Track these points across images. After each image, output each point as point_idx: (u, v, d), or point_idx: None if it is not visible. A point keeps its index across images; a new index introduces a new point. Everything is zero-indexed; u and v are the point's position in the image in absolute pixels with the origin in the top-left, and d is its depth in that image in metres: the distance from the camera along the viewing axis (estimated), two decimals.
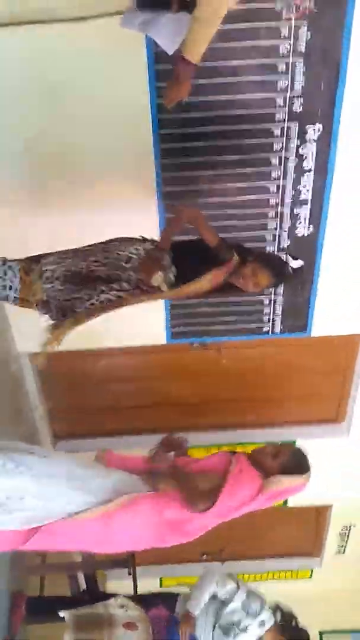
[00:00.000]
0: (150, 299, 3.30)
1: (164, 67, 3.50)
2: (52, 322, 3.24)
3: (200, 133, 3.76)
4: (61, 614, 4.22)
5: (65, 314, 3.19)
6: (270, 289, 4.37)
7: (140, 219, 3.84)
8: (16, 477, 2.80)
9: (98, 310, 3.19)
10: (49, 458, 3.02)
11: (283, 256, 3.48)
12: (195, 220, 3.23)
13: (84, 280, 3.18)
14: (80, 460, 3.14)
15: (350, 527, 6.50)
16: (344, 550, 6.74)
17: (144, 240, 3.31)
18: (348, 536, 6.62)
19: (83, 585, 5.53)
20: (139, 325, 4.62)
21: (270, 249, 4.24)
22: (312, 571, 7.01)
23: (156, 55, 3.45)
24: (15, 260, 3.25)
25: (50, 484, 2.85)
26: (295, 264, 3.35)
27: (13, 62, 3.47)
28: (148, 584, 5.83)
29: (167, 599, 4.23)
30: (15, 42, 3.39)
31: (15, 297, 3.24)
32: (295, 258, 3.47)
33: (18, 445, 3.09)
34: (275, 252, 4.25)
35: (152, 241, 3.32)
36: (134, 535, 2.97)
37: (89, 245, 3.29)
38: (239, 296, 4.08)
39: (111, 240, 3.29)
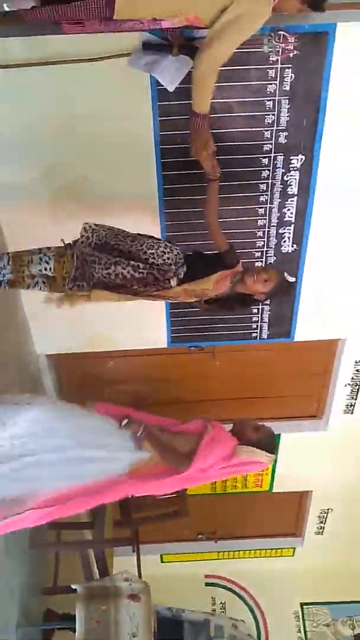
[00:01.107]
0: (159, 295, 3.25)
1: (166, 103, 3.51)
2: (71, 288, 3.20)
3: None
4: (74, 586, 4.19)
5: (84, 279, 3.16)
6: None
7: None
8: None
9: (109, 289, 3.17)
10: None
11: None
12: (210, 226, 3.30)
13: (109, 250, 3.21)
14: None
15: (327, 510, 6.47)
16: (322, 531, 6.70)
17: (167, 242, 3.34)
18: (326, 519, 6.59)
19: (94, 562, 5.51)
20: (143, 330, 4.63)
21: (258, 263, 4.23)
22: (294, 549, 6.99)
23: (159, 92, 3.45)
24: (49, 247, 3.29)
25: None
26: (291, 279, 3.40)
27: (35, 98, 3.47)
28: (150, 560, 5.81)
29: None
30: (37, 81, 3.39)
31: (44, 282, 3.24)
32: (290, 276, 3.50)
33: None
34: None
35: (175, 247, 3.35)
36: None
37: (120, 230, 3.32)
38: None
39: (140, 234, 3.32)
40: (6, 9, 3.46)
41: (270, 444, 3.14)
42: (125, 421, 3.09)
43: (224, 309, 3.43)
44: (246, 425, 3.20)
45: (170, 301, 3.52)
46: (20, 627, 4.05)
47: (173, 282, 3.21)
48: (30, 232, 3.72)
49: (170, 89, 3.29)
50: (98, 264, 3.14)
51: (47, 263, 3.23)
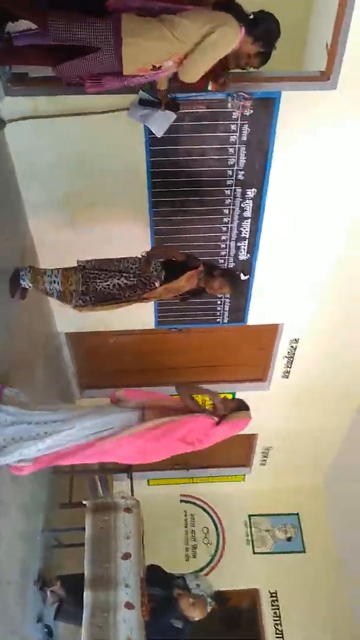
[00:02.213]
0: (147, 295, 3.27)
1: (156, 146, 3.47)
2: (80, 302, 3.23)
3: (179, 191, 3.72)
4: (84, 502, 4.16)
5: (89, 292, 3.19)
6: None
7: (138, 242, 3.81)
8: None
9: (109, 301, 3.16)
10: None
11: (236, 271, 3.55)
12: (164, 253, 3.35)
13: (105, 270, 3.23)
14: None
15: (269, 448, 6.51)
16: (265, 463, 6.74)
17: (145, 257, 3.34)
18: (267, 455, 6.62)
19: (99, 485, 5.48)
20: (137, 316, 4.59)
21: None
22: (244, 476, 7.02)
23: (150, 137, 3.41)
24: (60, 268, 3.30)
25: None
26: (244, 277, 3.43)
27: (56, 140, 3.42)
28: (140, 484, 5.81)
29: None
30: (57, 128, 3.33)
31: (57, 291, 3.23)
32: (245, 274, 3.52)
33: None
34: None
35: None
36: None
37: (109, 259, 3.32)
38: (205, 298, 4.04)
39: (125, 257, 3.33)
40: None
41: (245, 404, 3.13)
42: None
43: (195, 297, 3.47)
44: (224, 401, 3.19)
45: (157, 300, 3.51)
46: (44, 531, 4.03)
47: (157, 284, 3.23)
48: (56, 244, 3.68)
49: (158, 135, 3.25)
50: (99, 278, 3.16)
51: (56, 277, 3.25)
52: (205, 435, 2.96)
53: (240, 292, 4.38)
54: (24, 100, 3.21)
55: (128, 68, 2.59)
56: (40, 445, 2.78)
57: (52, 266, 3.37)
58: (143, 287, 3.22)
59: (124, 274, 3.17)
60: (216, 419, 2.98)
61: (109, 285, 3.16)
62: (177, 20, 2.53)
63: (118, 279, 3.16)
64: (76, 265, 3.28)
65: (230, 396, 5.64)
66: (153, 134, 3.28)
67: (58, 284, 3.24)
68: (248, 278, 4.07)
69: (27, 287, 3.36)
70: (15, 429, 2.80)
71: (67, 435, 2.82)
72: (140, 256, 3.32)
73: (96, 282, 3.16)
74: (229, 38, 2.62)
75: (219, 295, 4.39)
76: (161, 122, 3.17)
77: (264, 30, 2.73)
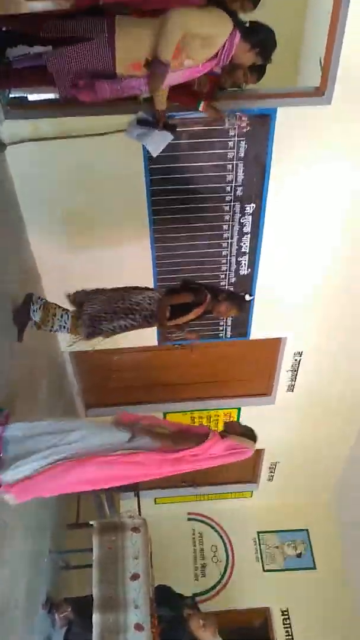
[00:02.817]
0: (153, 325, 3.33)
1: (155, 165, 3.50)
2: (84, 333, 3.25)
3: (179, 208, 3.75)
4: (91, 522, 4.13)
5: (96, 333, 3.22)
6: None
7: (139, 260, 3.93)
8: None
9: (115, 333, 3.21)
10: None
11: (241, 293, 3.57)
12: (169, 301, 3.31)
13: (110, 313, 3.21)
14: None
15: (276, 463, 6.46)
16: (273, 478, 6.69)
17: (147, 289, 3.36)
18: (274, 470, 6.57)
19: (105, 504, 5.44)
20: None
21: (222, 283, 4.23)
22: (252, 492, 6.95)
23: (149, 157, 3.45)
24: (69, 310, 3.31)
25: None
26: (248, 298, 3.45)
27: (56, 161, 3.46)
28: (147, 502, 5.76)
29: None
30: (58, 150, 3.38)
31: (66, 328, 3.29)
32: (250, 295, 3.54)
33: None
34: (227, 286, 4.25)
35: (153, 290, 3.39)
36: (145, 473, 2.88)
37: (112, 292, 3.29)
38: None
39: (126, 289, 3.31)
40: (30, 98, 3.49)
41: (252, 434, 3.06)
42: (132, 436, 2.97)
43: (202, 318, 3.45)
44: (233, 424, 3.15)
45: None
46: (52, 552, 3.99)
47: (165, 322, 3.26)
48: (59, 264, 3.69)
49: (154, 155, 3.29)
50: (105, 320, 3.18)
51: (66, 322, 3.28)
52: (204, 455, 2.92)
53: (244, 309, 4.39)
54: (23, 123, 3.26)
55: (121, 62, 2.56)
56: (43, 462, 2.74)
57: (59, 295, 3.37)
58: (147, 324, 3.25)
59: (130, 316, 3.17)
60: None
61: (115, 326, 3.18)
62: (170, 12, 2.53)
63: (124, 321, 3.18)
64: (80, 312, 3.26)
65: (235, 412, 5.65)
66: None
67: (67, 329, 3.27)
68: (253, 298, 4.07)
69: (34, 320, 3.32)
70: (31, 442, 2.77)
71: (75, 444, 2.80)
72: (146, 296, 3.28)
73: (102, 324, 3.18)
74: (220, 22, 2.59)
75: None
76: (158, 141, 3.21)
77: (260, 38, 2.75)
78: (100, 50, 2.54)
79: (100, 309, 3.21)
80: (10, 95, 3.27)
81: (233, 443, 2.92)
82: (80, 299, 3.31)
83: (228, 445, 2.90)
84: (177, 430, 3.01)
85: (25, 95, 3.48)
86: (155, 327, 4.45)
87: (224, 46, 2.67)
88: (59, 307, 3.35)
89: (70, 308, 3.36)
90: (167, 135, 3.23)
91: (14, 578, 3.10)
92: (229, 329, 4.65)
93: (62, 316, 3.29)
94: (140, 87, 2.72)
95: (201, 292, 3.29)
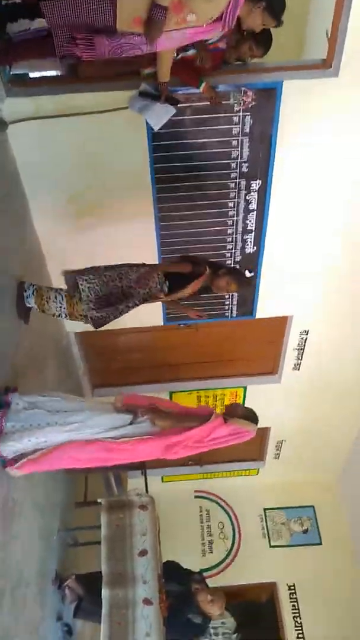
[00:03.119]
0: (154, 301, 3.30)
1: (158, 141, 3.46)
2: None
3: (183, 186, 3.71)
4: (99, 500, 4.18)
5: (98, 324, 3.20)
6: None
7: (144, 239, 3.91)
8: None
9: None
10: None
11: (241, 269, 3.52)
12: (165, 268, 3.30)
13: (108, 299, 3.16)
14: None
15: (282, 441, 6.49)
16: (279, 456, 6.73)
17: (143, 265, 3.30)
18: (281, 448, 6.61)
19: (113, 483, 5.50)
20: (145, 313, 4.58)
21: (228, 261, 4.21)
22: (258, 470, 7.01)
23: (153, 134, 3.41)
24: (62, 289, 3.27)
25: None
26: (248, 274, 3.41)
27: (58, 140, 3.42)
28: (154, 480, 5.82)
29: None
30: (60, 128, 3.33)
31: (65, 314, 3.25)
32: (250, 271, 3.50)
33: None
34: (232, 264, 4.22)
35: (150, 265, 3.32)
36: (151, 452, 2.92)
37: (108, 271, 3.22)
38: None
39: (122, 265, 3.25)
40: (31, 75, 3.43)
41: (253, 416, 3.06)
42: (134, 417, 2.93)
43: (201, 295, 3.41)
44: (235, 406, 3.16)
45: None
46: (61, 530, 4.05)
47: (161, 296, 3.22)
48: (63, 245, 3.67)
49: (155, 128, 3.23)
50: (108, 316, 3.16)
51: (61, 304, 3.25)
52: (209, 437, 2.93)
53: (248, 286, 4.37)
54: (25, 101, 3.22)
55: (122, 16, 2.46)
56: (43, 439, 2.77)
57: (57, 279, 3.35)
58: (149, 301, 3.23)
59: (129, 303, 3.14)
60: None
61: (116, 316, 3.17)
62: None
63: (126, 309, 3.17)
64: (77, 293, 3.21)
65: (241, 391, 5.66)
66: (155, 131, 3.28)
67: (65, 313, 3.26)
68: (254, 275, 4.04)
69: (32, 306, 3.33)
70: (28, 414, 2.80)
71: (78, 427, 2.82)
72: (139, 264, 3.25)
73: (105, 319, 3.17)
74: None
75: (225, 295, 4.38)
76: (160, 115, 3.15)
77: None
78: (101, 4, 2.44)
79: (100, 305, 3.14)
80: (12, 73, 3.21)
81: (236, 427, 2.94)
82: (72, 281, 3.23)
83: (231, 429, 2.92)
84: (179, 411, 3.02)
85: (26, 72, 3.43)
86: (162, 308, 4.48)
87: (228, 5, 2.56)
88: (51, 289, 3.32)
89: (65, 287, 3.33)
90: (170, 108, 3.18)
91: (24, 555, 3.15)
92: (234, 308, 4.63)
93: (56, 297, 3.25)
94: (140, 46, 2.62)
95: (200, 265, 3.24)
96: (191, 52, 3.09)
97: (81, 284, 3.13)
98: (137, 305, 3.20)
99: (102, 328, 3.22)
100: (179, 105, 3.25)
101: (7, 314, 3.12)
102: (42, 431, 2.75)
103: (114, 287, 3.16)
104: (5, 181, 3.27)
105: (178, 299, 3.33)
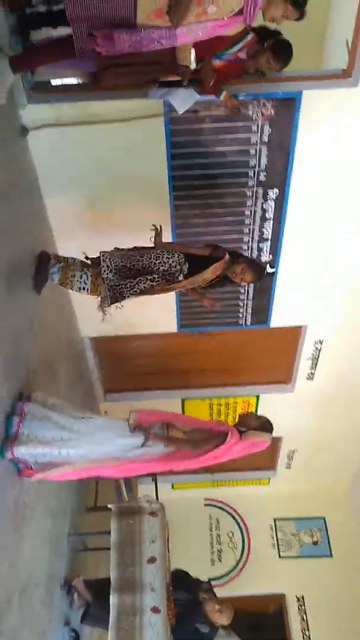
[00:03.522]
0: (172, 288, 3.25)
1: (177, 149, 3.48)
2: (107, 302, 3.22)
3: (200, 194, 3.72)
4: (109, 505, 4.18)
5: (117, 300, 3.17)
6: (248, 285, 4.33)
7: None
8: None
9: (137, 296, 3.18)
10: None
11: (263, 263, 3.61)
12: (184, 249, 3.28)
13: (128, 273, 3.16)
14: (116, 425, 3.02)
15: (294, 451, 6.45)
16: (290, 466, 6.69)
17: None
18: (292, 457, 6.57)
19: (123, 489, 5.49)
20: (159, 319, 4.62)
21: None
22: (269, 479, 6.97)
23: (172, 141, 3.42)
24: (89, 270, 3.27)
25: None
26: (270, 270, 3.39)
27: (78, 146, 3.46)
28: (164, 487, 5.80)
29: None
30: (79, 135, 3.37)
31: (87, 290, 3.27)
32: (272, 267, 3.48)
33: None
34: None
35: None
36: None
37: (131, 250, 3.26)
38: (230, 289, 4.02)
39: (144, 247, 3.28)
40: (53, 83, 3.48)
41: (268, 426, 3.03)
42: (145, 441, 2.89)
43: (219, 286, 3.39)
44: (249, 416, 3.13)
45: (179, 290, 3.46)
46: (71, 535, 4.06)
47: (180, 278, 3.21)
48: (79, 250, 3.68)
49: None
50: (125, 287, 3.15)
51: (85, 284, 3.26)
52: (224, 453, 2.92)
53: (263, 290, 4.37)
54: (46, 108, 3.26)
55: (142, 9, 2.44)
56: (55, 452, 2.80)
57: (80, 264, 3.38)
58: (167, 283, 3.22)
59: (148, 277, 3.15)
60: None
61: (135, 291, 3.17)
62: None
63: (144, 283, 3.16)
64: (100, 272, 3.21)
65: (254, 400, 5.64)
66: (174, 137, 3.30)
67: (87, 290, 3.28)
68: (274, 272, 3.99)
69: (53, 281, 3.36)
70: (42, 425, 2.82)
71: (85, 448, 2.83)
72: (164, 251, 3.25)
73: (122, 292, 3.17)
74: None
75: (242, 284, 4.30)
76: (184, 98, 3.08)
77: None
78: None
79: (120, 276, 3.17)
80: (34, 80, 3.26)
81: (251, 440, 2.92)
82: (96, 260, 3.27)
83: (247, 444, 2.91)
84: (194, 430, 3.00)
85: (48, 79, 3.48)
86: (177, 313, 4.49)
87: None
88: (78, 267, 3.33)
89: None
90: (194, 93, 3.09)
91: (33, 558, 3.16)
92: (249, 316, 4.63)
93: (81, 277, 3.28)
94: (160, 40, 2.62)
95: (220, 250, 3.25)
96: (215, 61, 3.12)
97: (103, 258, 3.17)
98: (156, 282, 3.17)
99: (119, 304, 3.19)
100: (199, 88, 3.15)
101: (24, 317, 3.14)
102: (55, 445, 2.77)
103: (135, 262, 3.18)
104: (24, 186, 3.30)
105: (196, 285, 3.31)
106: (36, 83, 3.27)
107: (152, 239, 3.24)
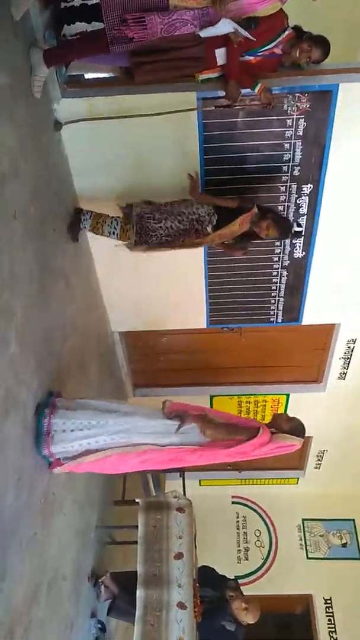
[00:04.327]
0: (200, 241, 3.30)
1: (210, 143, 3.45)
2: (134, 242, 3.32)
3: (233, 189, 3.68)
4: (137, 500, 4.19)
5: (143, 240, 3.27)
6: (280, 281, 4.31)
7: None
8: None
9: (162, 244, 3.26)
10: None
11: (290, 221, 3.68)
12: (212, 200, 3.32)
13: (160, 210, 3.28)
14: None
15: (324, 451, 6.36)
16: (320, 467, 6.60)
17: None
18: (322, 457, 6.48)
19: (151, 483, 5.50)
20: (188, 315, 4.61)
21: (275, 266, 4.16)
22: (298, 479, 6.89)
23: (205, 135, 3.39)
24: (120, 217, 3.41)
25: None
26: (298, 228, 3.37)
27: (110, 141, 3.45)
28: (191, 484, 5.80)
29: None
30: (112, 129, 3.37)
31: (116, 235, 3.40)
32: (299, 226, 3.47)
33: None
34: (280, 270, 4.16)
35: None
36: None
37: (161, 204, 3.35)
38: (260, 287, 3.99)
39: (174, 201, 3.37)
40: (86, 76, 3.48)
41: (300, 430, 2.96)
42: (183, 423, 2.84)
43: (246, 241, 3.43)
44: (281, 418, 3.08)
45: (207, 244, 3.50)
46: (98, 528, 4.09)
47: (209, 229, 3.22)
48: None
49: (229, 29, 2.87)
50: (153, 219, 3.22)
51: (115, 228, 3.39)
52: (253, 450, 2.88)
53: (295, 288, 4.31)
54: (79, 102, 3.26)
55: None
56: (89, 441, 2.80)
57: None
58: (196, 232, 3.24)
59: (178, 217, 3.19)
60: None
61: (162, 227, 3.18)
62: None
63: (172, 222, 3.18)
64: (131, 213, 3.30)
65: (283, 398, 5.58)
66: (207, 131, 3.27)
67: (116, 235, 3.38)
68: (301, 231, 3.91)
69: (84, 228, 3.51)
70: (76, 413, 2.83)
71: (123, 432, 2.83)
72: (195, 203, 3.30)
73: (149, 224, 3.19)
74: None
75: (272, 287, 4.32)
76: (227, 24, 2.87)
77: None
78: None
79: (150, 211, 3.27)
80: (68, 74, 3.27)
81: (280, 443, 2.88)
82: (129, 210, 3.37)
83: (276, 445, 2.87)
84: (227, 422, 2.98)
85: (82, 73, 3.49)
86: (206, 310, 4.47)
87: None
88: (109, 216, 3.45)
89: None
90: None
91: (61, 550, 3.19)
92: (280, 313, 4.57)
93: (112, 222, 3.41)
94: (193, 22, 2.59)
95: (249, 201, 3.28)
96: (247, 57, 3.08)
97: (135, 204, 3.31)
98: (183, 225, 3.23)
99: (140, 249, 3.24)
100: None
101: (56, 312, 3.17)
102: (91, 431, 2.78)
103: (165, 210, 3.27)
104: (57, 180, 3.32)
105: (224, 239, 3.33)
106: (70, 77, 3.28)
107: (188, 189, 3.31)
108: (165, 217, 3.21)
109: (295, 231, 3.32)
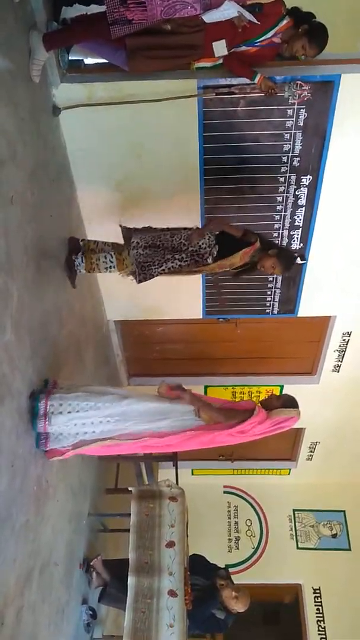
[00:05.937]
0: (200, 270, 3.26)
1: (209, 132, 3.42)
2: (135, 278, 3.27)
3: (231, 178, 3.67)
4: (130, 488, 4.20)
5: (146, 278, 3.20)
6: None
7: None
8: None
9: (164, 274, 3.20)
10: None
11: (293, 253, 3.58)
12: (219, 226, 3.24)
13: (158, 249, 3.19)
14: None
15: (316, 443, 6.40)
16: (312, 458, 6.64)
17: (198, 228, 3.29)
18: (314, 449, 6.52)
19: (144, 472, 5.51)
20: (185, 305, 4.60)
21: None
22: (290, 470, 6.93)
23: (204, 124, 3.37)
24: (111, 250, 3.37)
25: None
26: (300, 261, 3.35)
27: (109, 127, 3.42)
28: (184, 473, 5.82)
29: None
30: (111, 116, 3.33)
31: (114, 267, 3.36)
32: (302, 259, 3.44)
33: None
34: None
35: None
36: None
37: (162, 231, 3.29)
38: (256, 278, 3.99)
39: (176, 228, 3.30)
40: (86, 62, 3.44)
41: (292, 401, 2.97)
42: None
43: (246, 273, 3.38)
44: (270, 398, 3.08)
45: (207, 272, 3.46)
46: (91, 515, 4.10)
47: (209, 260, 3.19)
48: (107, 233, 3.66)
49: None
50: (153, 264, 3.15)
51: (111, 262, 3.33)
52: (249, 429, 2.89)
53: (292, 279, 4.30)
54: (79, 87, 3.23)
55: None
56: (92, 421, 2.81)
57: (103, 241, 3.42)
58: (196, 264, 3.20)
59: (177, 256, 3.14)
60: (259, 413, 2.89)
61: (163, 269, 3.16)
62: None
63: (172, 262, 3.14)
64: (127, 246, 3.25)
65: (277, 389, 5.60)
66: (207, 119, 3.24)
67: (114, 267, 3.32)
68: (304, 263, 3.93)
69: (80, 273, 3.42)
70: (72, 396, 2.83)
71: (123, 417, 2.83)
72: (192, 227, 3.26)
73: (151, 269, 3.16)
74: None
75: (269, 278, 4.30)
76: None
77: None
78: None
79: (148, 253, 3.18)
80: (68, 59, 3.23)
81: (278, 418, 2.89)
82: (128, 234, 3.32)
83: (273, 421, 2.88)
84: (222, 406, 2.99)
85: (82, 58, 3.45)
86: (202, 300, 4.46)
87: None
88: (100, 251, 3.39)
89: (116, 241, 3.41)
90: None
91: (54, 536, 3.20)
92: (276, 304, 4.57)
93: (105, 257, 3.36)
94: (194, 4, 2.57)
95: (252, 235, 3.21)
96: (243, 47, 3.05)
97: (135, 233, 3.24)
98: (184, 262, 3.18)
99: (145, 282, 3.20)
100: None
101: (52, 299, 3.15)
102: (88, 412, 2.78)
103: (165, 241, 3.21)
104: (55, 166, 3.29)
105: (223, 269, 3.29)
106: (70, 62, 3.24)
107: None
108: (167, 260, 3.15)
109: (297, 264, 3.31)
